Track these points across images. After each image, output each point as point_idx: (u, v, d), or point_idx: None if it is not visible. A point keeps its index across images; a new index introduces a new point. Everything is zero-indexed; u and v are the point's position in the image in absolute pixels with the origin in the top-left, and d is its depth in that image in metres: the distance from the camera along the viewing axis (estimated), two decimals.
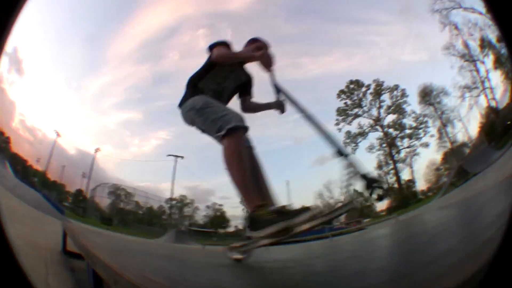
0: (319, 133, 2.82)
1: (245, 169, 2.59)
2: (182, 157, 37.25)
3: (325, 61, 78.71)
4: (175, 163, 36.96)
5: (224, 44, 3.39)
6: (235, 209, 54.15)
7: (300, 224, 2.08)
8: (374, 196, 2.19)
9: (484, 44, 41.08)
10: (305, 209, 2.13)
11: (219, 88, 3.29)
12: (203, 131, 3.01)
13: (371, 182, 2.27)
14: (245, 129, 2.69)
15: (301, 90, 72.00)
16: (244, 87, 3.67)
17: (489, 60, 38.64)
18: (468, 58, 42.55)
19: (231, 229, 48.27)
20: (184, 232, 27.57)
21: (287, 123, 73.59)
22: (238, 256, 2.67)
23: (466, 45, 43.75)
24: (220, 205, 54.11)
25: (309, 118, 2.91)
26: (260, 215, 2.26)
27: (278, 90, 3.28)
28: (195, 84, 3.21)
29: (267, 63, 3.21)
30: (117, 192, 25.86)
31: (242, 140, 2.68)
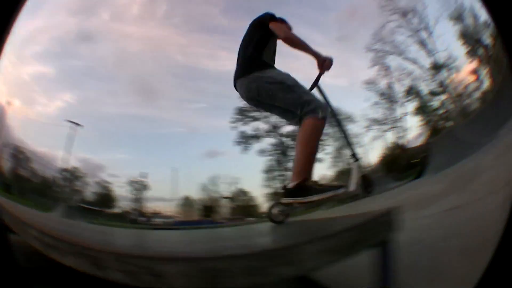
0: (343, 135, 3.56)
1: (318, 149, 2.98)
2: (80, 125, 34.28)
3: None
4: (73, 131, 33.83)
5: (286, 23, 3.50)
6: (121, 189, 51.52)
7: (338, 195, 2.71)
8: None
9: (411, 91, 47.06)
10: (339, 186, 2.76)
11: (273, 64, 3.41)
12: (274, 107, 3.17)
13: (368, 185, 2.98)
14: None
15: (209, 80, 70.47)
16: None
17: (411, 105, 44.64)
18: (388, 98, 47.98)
19: (117, 210, 46.26)
20: (74, 208, 25.12)
21: (186, 110, 72.55)
22: (280, 218, 3.09)
23: (390, 87, 49.22)
24: (109, 183, 51.23)
25: (338, 122, 3.56)
26: (312, 185, 2.76)
27: (319, 91, 3.41)
28: (260, 56, 3.24)
29: (327, 67, 3.33)
30: (18, 155, 23.30)
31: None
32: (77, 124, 34.36)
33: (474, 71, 43.25)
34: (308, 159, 2.86)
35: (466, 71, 45.03)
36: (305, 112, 2.86)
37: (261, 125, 54.82)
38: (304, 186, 2.72)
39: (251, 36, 3.38)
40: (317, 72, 3.39)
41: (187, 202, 54.36)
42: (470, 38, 43.20)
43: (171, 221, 31.65)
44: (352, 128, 55.27)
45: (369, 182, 3.05)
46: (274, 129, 55.49)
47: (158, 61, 76.01)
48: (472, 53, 44.01)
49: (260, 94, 3.08)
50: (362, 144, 51.55)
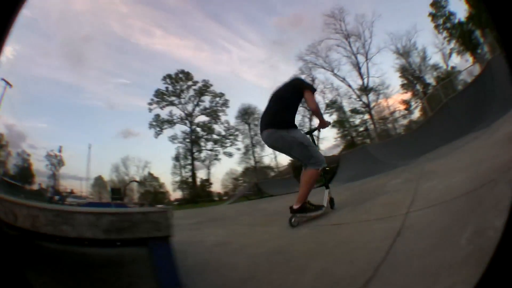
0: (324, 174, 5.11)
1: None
2: (11, 85, 30.77)
3: (175, 42, 76.31)
4: (3, 90, 30.13)
5: (315, 92, 4.78)
6: (40, 163, 49.44)
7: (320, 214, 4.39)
8: None
9: (333, 105, 48.52)
10: (321, 206, 4.47)
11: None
12: (290, 154, 4.68)
13: (332, 203, 4.99)
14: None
15: (135, 55, 68.62)
16: None
17: (331, 118, 47.24)
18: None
19: (35, 186, 44.12)
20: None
21: (109, 84, 69.80)
22: (295, 224, 4.08)
23: None
24: (28, 155, 47.68)
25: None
26: (307, 205, 4.34)
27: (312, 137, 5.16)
28: (293, 119, 4.64)
29: (324, 127, 5.19)
30: None
31: None
32: (9, 84, 30.90)
33: (405, 102, 46.97)
34: (306, 192, 4.37)
35: (396, 100, 48.35)
36: (311, 164, 4.39)
37: (177, 111, 55.36)
38: (303, 208, 4.26)
39: (289, 97, 4.66)
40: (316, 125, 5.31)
41: (99, 182, 53.73)
42: (409, 74, 46.71)
43: (83, 201, 31.35)
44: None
45: (332, 201, 4.92)
46: (188, 117, 55.89)
47: (96, 26, 71.25)
48: (407, 87, 47.76)
49: (283, 146, 4.57)
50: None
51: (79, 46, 68.65)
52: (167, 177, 55.49)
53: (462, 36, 40.05)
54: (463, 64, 41.15)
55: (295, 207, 4.24)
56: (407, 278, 1.73)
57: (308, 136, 4.79)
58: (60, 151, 48.74)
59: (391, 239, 2.35)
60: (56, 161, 49.10)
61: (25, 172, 45.71)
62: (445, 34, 43.35)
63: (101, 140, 70.75)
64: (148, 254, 1.85)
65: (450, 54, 43.89)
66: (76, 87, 68.99)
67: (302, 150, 4.42)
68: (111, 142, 69.45)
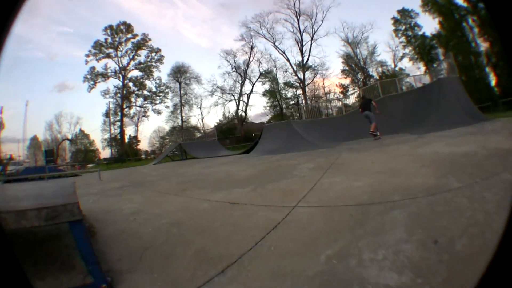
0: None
1: None
2: None
3: None
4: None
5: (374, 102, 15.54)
6: None
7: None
8: None
9: (266, 74, 48.68)
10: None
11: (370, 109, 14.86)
12: (369, 119, 14.27)
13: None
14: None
15: (85, 2, 63.17)
16: None
17: (263, 87, 52.08)
18: (236, 70, 49.00)
19: None
20: None
21: (51, 33, 63.49)
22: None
23: (247, 64, 50.87)
24: None
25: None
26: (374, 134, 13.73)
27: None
28: (370, 109, 14.57)
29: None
30: None
31: None
32: None
33: (342, 86, 49.10)
34: (374, 127, 13.78)
35: (332, 82, 50.27)
36: (371, 122, 14.19)
37: (112, 65, 53.52)
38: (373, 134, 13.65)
39: (368, 103, 14.77)
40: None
41: (34, 143, 52.72)
42: (353, 62, 48.49)
43: (21, 168, 30.83)
44: (197, 89, 57.10)
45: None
46: (122, 71, 53.86)
47: None
48: (347, 73, 49.85)
49: (368, 115, 14.50)
50: (200, 105, 54.13)
51: None
52: (98, 134, 53.54)
53: (421, 47, 43.70)
54: (413, 70, 46.31)
55: (373, 132, 13.59)
56: (256, 275, 2.13)
57: (372, 113, 14.16)
58: (0, 112, 45.53)
59: (266, 232, 2.90)
60: None
61: None
62: (403, 39, 46.60)
63: (38, 96, 66.06)
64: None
65: (402, 57, 47.63)
66: (20, 37, 63.66)
67: (371, 117, 14.15)
68: (47, 97, 65.57)
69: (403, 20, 46.13)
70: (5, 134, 48.30)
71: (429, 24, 46.09)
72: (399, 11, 46.36)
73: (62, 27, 70.43)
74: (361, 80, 47.98)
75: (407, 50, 46.56)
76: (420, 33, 44.78)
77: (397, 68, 47.55)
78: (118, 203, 5.45)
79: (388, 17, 47.80)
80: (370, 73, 48.88)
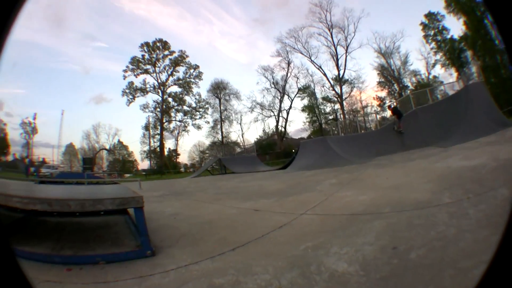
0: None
1: None
2: None
3: (158, 8, 72.15)
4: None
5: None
6: (15, 131, 48.48)
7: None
8: None
9: (304, 90, 49.27)
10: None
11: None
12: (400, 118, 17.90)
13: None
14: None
15: (117, 19, 65.96)
16: None
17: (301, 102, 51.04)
18: (275, 86, 49.84)
19: (9, 158, 43.35)
20: None
21: (87, 47, 66.94)
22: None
23: (285, 80, 51.33)
24: (5, 124, 49.98)
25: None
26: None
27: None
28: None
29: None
30: None
31: None
32: None
33: (379, 99, 48.28)
34: (400, 125, 17.30)
35: (370, 95, 49.76)
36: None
37: (151, 80, 55.20)
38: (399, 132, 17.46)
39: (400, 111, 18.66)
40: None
41: (70, 150, 54.87)
42: (388, 74, 47.61)
43: (55, 171, 31.87)
44: (236, 104, 58.07)
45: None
46: (161, 87, 55.63)
47: None
48: (384, 85, 48.93)
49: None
50: (239, 121, 54.36)
51: (60, 8, 67.67)
52: (136, 146, 55.72)
53: (451, 51, 41.13)
54: (446, 76, 43.01)
55: (398, 129, 17.32)
56: (254, 252, 3.00)
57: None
58: (34, 118, 49.46)
59: (273, 229, 3.77)
60: (30, 129, 50.14)
61: (1, 143, 46.20)
62: (433, 45, 44.22)
63: (74, 106, 69.25)
64: (126, 219, 3.70)
65: (434, 65, 45.18)
66: (54, 50, 67.86)
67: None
68: (84, 108, 70.34)
69: (431, 25, 44.06)
70: (38, 138, 51.26)
71: (455, 26, 43.54)
72: (426, 15, 44.40)
73: (96, 42, 73.71)
74: (397, 91, 46.95)
75: (438, 56, 44.33)
76: (449, 36, 42.43)
77: (431, 76, 45.55)
78: (160, 207, 6.54)
79: (416, 23, 46.28)
80: (405, 84, 47.36)
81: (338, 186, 6.77)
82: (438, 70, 45.86)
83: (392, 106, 18.85)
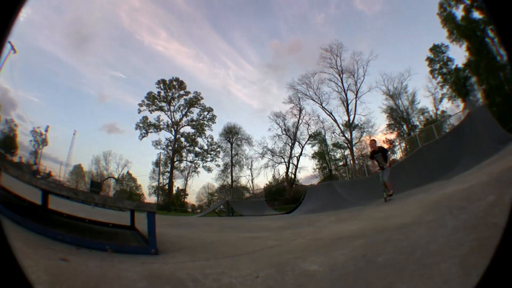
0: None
1: None
2: (15, 51, 32.13)
3: (177, 47, 73.87)
4: (7, 53, 31.42)
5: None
6: (25, 137, 50.29)
7: None
8: None
9: (315, 137, 49.78)
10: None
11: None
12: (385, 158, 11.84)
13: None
14: None
15: (136, 52, 68.52)
16: None
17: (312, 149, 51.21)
18: (286, 133, 50.62)
19: (15, 159, 44.36)
20: None
21: (105, 75, 69.44)
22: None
23: (297, 127, 52.06)
24: (16, 125, 50.01)
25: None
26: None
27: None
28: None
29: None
30: None
31: None
32: (14, 49, 32.72)
33: (389, 142, 47.90)
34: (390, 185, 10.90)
35: (379, 139, 49.30)
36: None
37: (165, 118, 56.17)
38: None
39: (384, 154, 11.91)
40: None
41: (77, 171, 55.33)
42: (397, 115, 47.68)
43: None
44: (247, 150, 58.34)
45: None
46: (174, 126, 56.42)
47: (104, 12, 73.14)
48: (393, 127, 48.97)
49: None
50: (250, 166, 53.91)
51: (84, 28, 71.70)
52: (145, 180, 55.77)
53: (456, 82, 40.15)
54: (454, 109, 41.20)
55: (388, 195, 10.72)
56: (243, 260, 3.55)
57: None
58: (46, 130, 50.22)
59: (263, 248, 4.28)
60: (40, 139, 50.68)
61: (9, 142, 46.30)
62: (439, 79, 43.44)
63: (86, 129, 72.18)
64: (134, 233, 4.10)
65: (441, 99, 44.29)
66: (74, 69, 70.79)
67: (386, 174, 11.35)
68: (95, 133, 73.08)
69: (436, 58, 43.66)
70: (47, 151, 51.41)
71: (459, 54, 43.18)
72: (431, 49, 44.19)
73: (115, 71, 77.58)
74: (406, 132, 46.51)
75: (445, 90, 43.49)
76: (453, 67, 41.69)
77: (439, 112, 44.59)
78: (167, 231, 6.99)
79: (422, 58, 45.36)
80: (414, 123, 46.62)
81: (335, 222, 7.08)
82: (446, 104, 45.37)
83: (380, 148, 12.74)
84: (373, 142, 13.09)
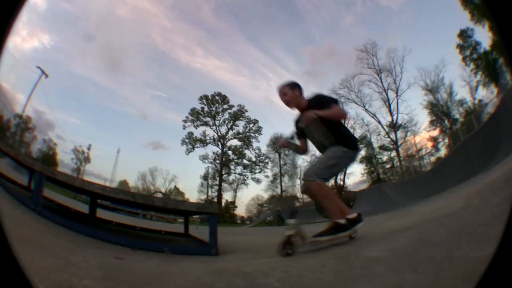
0: None
1: None
2: (47, 75, 34.12)
3: (215, 62, 75.66)
4: (39, 78, 33.46)
5: None
6: (66, 155, 52.60)
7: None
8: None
9: (362, 141, 48.50)
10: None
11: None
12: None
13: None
14: None
15: (177, 72, 70.31)
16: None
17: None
18: None
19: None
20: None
21: (145, 94, 69.28)
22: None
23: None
24: (55, 144, 51.93)
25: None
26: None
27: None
28: None
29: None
30: None
31: None
32: (45, 74, 34.89)
33: (433, 139, 45.84)
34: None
35: (423, 137, 47.67)
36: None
37: (210, 132, 57.02)
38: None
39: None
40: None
41: (123, 187, 55.58)
42: (438, 110, 45.58)
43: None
44: (296, 159, 57.52)
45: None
46: (220, 140, 57.26)
47: (136, 35, 77.10)
48: (436, 123, 46.74)
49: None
50: (299, 175, 53.49)
51: (118, 52, 75.09)
52: (193, 194, 56.27)
53: (487, 66, 37.43)
54: (489, 96, 37.79)
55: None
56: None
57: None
58: (89, 148, 52.41)
59: None
60: (82, 157, 53.35)
61: (49, 159, 47.24)
62: (472, 66, 40.41)
63: (130, 147, 76.04)
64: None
65: (476, 87, 41.62)
66: (111, 91, 76.31)
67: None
68: (140, 151, 75.09)
69: (465, 44, 40.47)
70: (90, 168, 54.07)
71: (485, 36, 40.08)
72: (458, 35, 41.00)
73: (155, 91, 79.73)
74: (448, 127, 43.83)
75: (478, 77, 40.08)
76: (482, 50, 38.39)
77: (476, 101, 41.36)
78: (221, 238, 6.68)
79: (453, 46, 42.11)
80: (455, 117, 44.08)
81: (387, 220, 6.98)
82: (482, 92, 41.93)
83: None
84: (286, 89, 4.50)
